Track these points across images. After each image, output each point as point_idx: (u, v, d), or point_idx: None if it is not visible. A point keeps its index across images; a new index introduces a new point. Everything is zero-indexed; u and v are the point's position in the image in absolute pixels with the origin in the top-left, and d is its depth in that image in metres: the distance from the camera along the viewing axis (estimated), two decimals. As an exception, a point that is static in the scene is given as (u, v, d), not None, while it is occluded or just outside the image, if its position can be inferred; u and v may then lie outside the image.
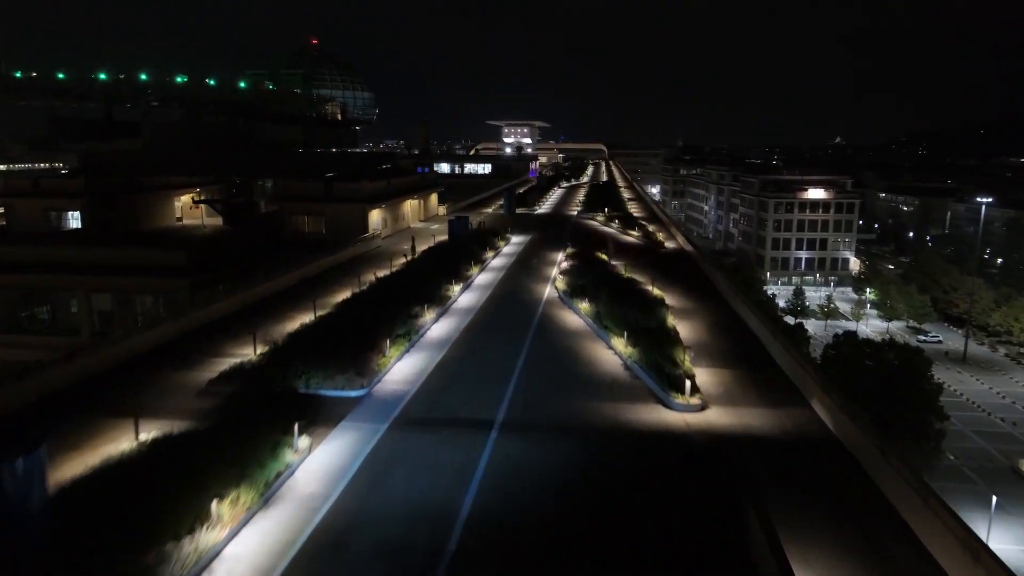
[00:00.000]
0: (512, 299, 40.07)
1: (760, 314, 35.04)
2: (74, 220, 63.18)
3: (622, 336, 29.68)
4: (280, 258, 58.22)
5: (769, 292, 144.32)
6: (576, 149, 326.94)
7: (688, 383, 24.30)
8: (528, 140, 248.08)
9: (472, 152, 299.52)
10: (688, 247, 59.82)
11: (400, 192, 67.00)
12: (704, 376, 26.78)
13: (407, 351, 29.54)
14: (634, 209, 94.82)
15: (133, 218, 66.04)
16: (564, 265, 47.11)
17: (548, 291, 41.91)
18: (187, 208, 72.44)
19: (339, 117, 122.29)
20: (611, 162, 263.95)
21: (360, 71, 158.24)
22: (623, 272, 44.91)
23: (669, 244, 61.94)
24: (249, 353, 28.46)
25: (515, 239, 62.72)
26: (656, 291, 39.60)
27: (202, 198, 66.98)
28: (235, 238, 58.52)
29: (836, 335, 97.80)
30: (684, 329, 33.16)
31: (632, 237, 64.48)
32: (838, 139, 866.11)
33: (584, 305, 35.70)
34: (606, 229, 70.45)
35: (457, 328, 33.77)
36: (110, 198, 63.32)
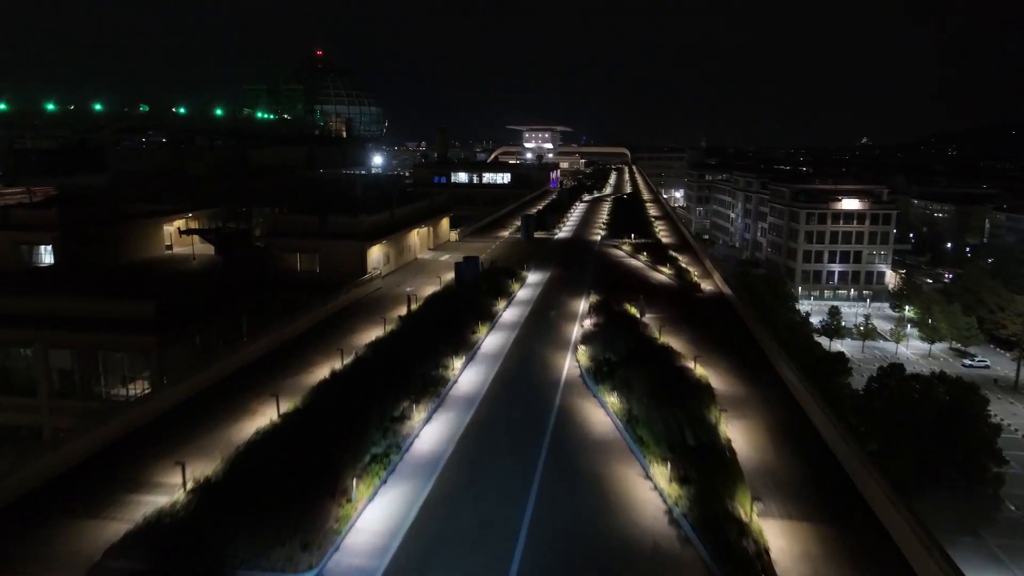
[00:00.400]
0: (524, 381, 32.85)
1: (827, 408, 27.80)
2: (47, 254, 57.21)
3: (663, 461, 22.54)
4: (266, 303, 51.86)
5: (802, 310, 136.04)
6: (598, 153, 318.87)
7: (760, 553, 17.31)
8: (549, 145, 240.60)
9: (491, 157, 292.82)
10: (726, 289, 52.34)
11: (406, 223, 60.19)
12: (778, 537, 19.54)
13: (383, 483, 22.54)
14: (662, 231, 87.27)
15: (114, 250, 59.96)
16: (587, 324, 39.92)
17: (568, 365, 34.70)
18: (178, 235, 66.38)
19: (344, 134, 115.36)
20: (634, 167, 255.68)
21: (369, 85, 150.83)
22: (656, 335, 37.70)
23: (704, 284, 54.47)
24: (177, 483, 21.68)
25: (532, 277, 55.55)
26: (699, 369, 32.37)
27: (190, 228, 60.71)
28: (220, 278, 52.16)
29: (881, 367, 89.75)
30: (739, 437, 25.90)
31: (664, 274, 57.08)
32: (864, 139, 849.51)
33: (612, 399, 28.51)
34: (633, 262, 63.06)
35: (454, 435, 26.66)
36: (87, 229, 57.25)
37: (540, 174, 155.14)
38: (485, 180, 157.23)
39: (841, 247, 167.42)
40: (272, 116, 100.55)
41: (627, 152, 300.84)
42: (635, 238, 74.64)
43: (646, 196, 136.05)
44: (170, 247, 66.37)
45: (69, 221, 56.27)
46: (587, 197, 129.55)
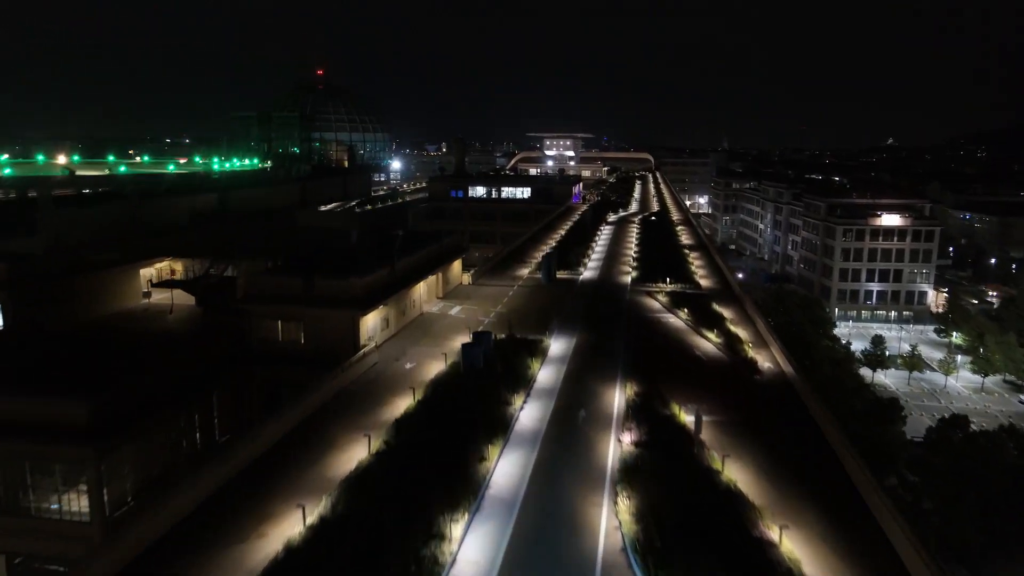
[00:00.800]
0: (549, 557, 23.89)
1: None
2: (-2, 315, 49.22)
3: None
4: (242, 383, 43.46)
5: (839, 333, 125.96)
6: (620, 159, 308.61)
7: None
8: (571, 153, 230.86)
9: (511, 163, 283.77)
10: (787, 367, 43.17)
11: (410, 277, 51.49)
12: None
13: None
14: (698, 266, 78.00)
15: (80, 305, 51.89)
16: (626, 440, 31.00)
17: (605, 524, 25.74)
18: (153, 284, 58.23)
19: (346, 163, 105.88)
20: (658, 174, 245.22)
21: (375, 106, 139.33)
22: (718, 464, 28.80)
23: (760, 356, 45.23)
24: None
25: (555, 346, 46.53)
26: (785, 542, 23.42)
27: (163, 279, 52.54)
28: (194, 345, 43.80)
29: (943, 419, 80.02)
30: None
31: (711, 342, 47.93)
32: (890, 140, 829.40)
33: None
34: (673, 322, 53.77)
35: None
36: (45, 283, 49.23)
37: (562, 188, 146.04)
38: (504, 194, 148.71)
39: (880, 265, 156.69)
40: (253, 162, 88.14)
41: (650, 158, 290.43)
42: (670, 282, 65.47)
43: (675, 216, 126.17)
44: (148, 294, 58.28)
45: (21, 275, 48.27)
46: (612, 217, 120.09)
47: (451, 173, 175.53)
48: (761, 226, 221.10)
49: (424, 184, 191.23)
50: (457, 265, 64.13)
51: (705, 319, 52.18)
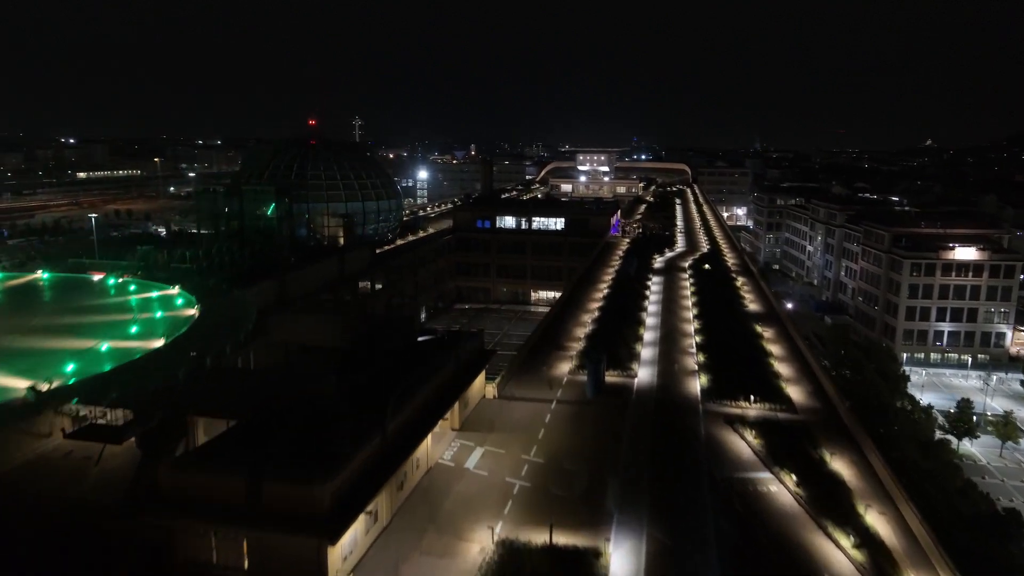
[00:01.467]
0: None
1: None
2: None
3: None
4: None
5: (914, 388, 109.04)
6: (655, 169, 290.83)
7: None
8: (605, 168, 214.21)
9: (541, 175, 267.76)
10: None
11: (411, 433, 36.34)
12: None
13: None
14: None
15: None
16: None
17: None
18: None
19: (342, 240, 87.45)
20: (696, 189, 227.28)
21: (379, 166, 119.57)
22: None
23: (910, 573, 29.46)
24: None
25: (615, 566, 31.21)
26: None
27: (81, 426, 37.97)
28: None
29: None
30: None
31: (844, 551, 32.14)
32: (928, 141, 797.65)
33: None
34: (780, 500, 37.84)
35: None
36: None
37: (599, 220, 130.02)
38: (536, 224, 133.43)
39: (952, 303, 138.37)
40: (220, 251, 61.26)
41: (687, 169, 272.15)
42: (754, 399, 49.61)
43: (730, 259, 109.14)
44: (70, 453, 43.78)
45: None
46: (658, 261, 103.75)
47: (480, 196, 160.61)
48: (810, 248, 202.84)
49: (450, 206, 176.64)
50: (479, 381, 48.72)
51: (824, 492, 36.37)
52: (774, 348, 63.49)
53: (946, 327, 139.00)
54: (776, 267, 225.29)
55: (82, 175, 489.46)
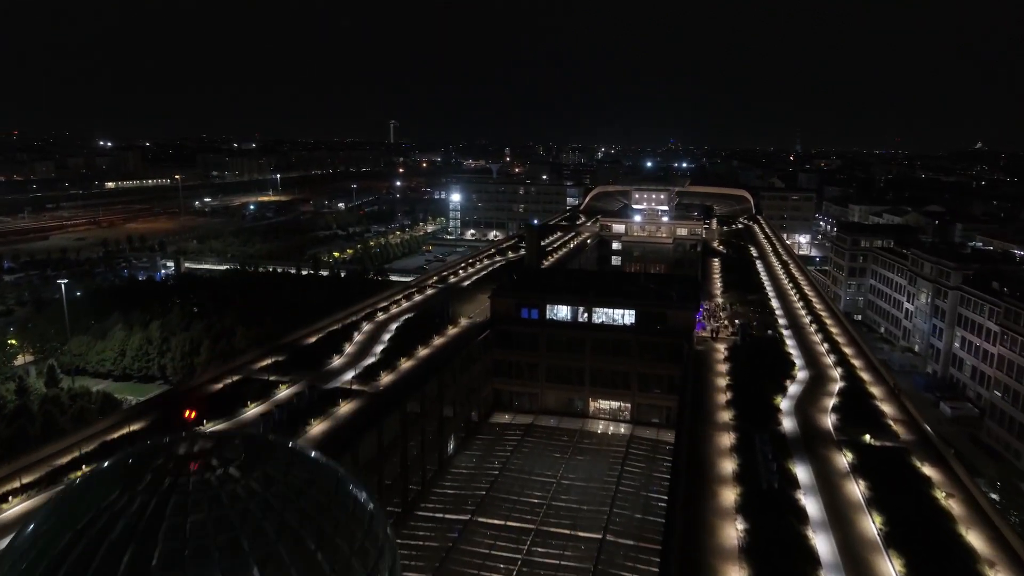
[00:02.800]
0: None
1: None
2: None
3: None
4: None
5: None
6: (711, 194, 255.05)
7: None
8: (664, 207, 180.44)
9: (584, 203, 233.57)
10: None
11: None
12: None
13: None
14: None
15: None
16: None
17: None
18: None
19: None
20: (767, 229, 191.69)
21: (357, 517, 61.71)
22: None
23: None
24: None
25: None
26: None
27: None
28: None
29: None
30: None
31: None
32: (979, 144, 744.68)
33: None
34: None
35: None
36: None
37: (681, 314, 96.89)
38: (596, 316, 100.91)
39: None
40: None
41: (748, 197, 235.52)
42: None
43: (891, 413, 74.12)
44: None
45: None
46: (787, 421, 70.14)
47: (526, 267, 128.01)
48: (908, 306, 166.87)
49: (489, 261, 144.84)
50: None
51: None
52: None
53: None
54: (859, 317, 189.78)
55: (111, 185, 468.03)
